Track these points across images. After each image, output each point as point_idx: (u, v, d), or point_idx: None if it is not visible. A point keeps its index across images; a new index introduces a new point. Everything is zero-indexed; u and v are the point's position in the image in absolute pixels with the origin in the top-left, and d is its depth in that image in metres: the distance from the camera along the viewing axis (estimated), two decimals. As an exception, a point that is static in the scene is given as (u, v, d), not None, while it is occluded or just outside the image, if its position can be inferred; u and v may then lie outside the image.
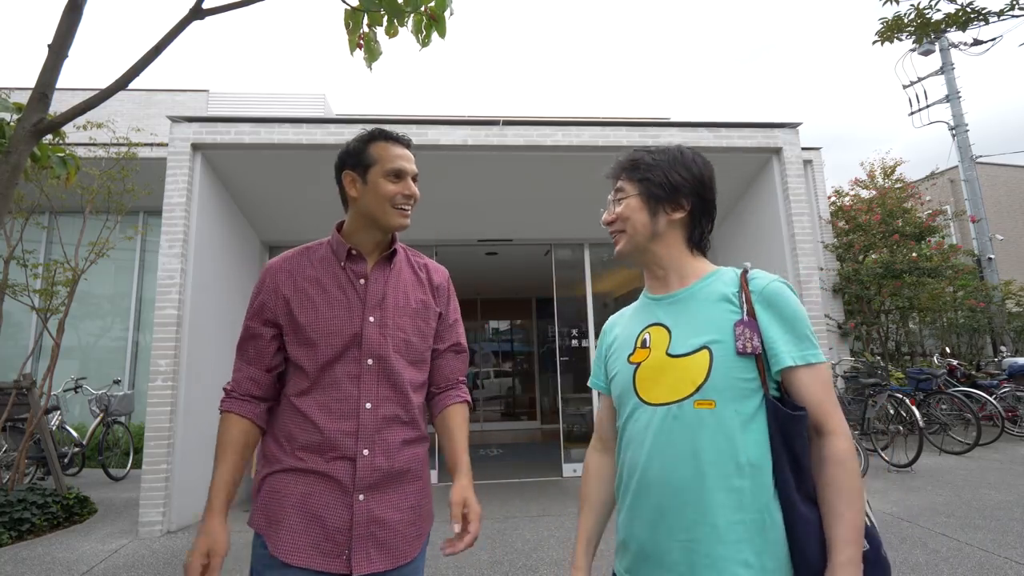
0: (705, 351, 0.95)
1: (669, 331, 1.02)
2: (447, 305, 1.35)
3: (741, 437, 0.92)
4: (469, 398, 1.36)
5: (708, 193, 1.07)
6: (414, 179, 1.25)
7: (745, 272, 1.01)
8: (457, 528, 1.14)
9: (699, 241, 1.08)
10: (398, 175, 1.21)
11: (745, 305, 0.97)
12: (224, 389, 1.22)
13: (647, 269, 1.11)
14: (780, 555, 0.90)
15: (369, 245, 1.26)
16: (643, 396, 1.01)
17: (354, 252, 1.24)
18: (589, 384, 1.23)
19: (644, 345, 1.04)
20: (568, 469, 5.77)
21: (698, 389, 0.94)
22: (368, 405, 1.16)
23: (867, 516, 0.94)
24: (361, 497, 1.12)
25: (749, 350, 0.93)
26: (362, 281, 1.23)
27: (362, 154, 1.22)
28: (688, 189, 1.05)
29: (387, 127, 1.29)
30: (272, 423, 1.22)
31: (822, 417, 0.92)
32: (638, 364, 1.04)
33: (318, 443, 1.13)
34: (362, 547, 1.11)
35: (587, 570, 1.11)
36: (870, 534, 0.92)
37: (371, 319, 1.19)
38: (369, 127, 1.30)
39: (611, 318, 1.22)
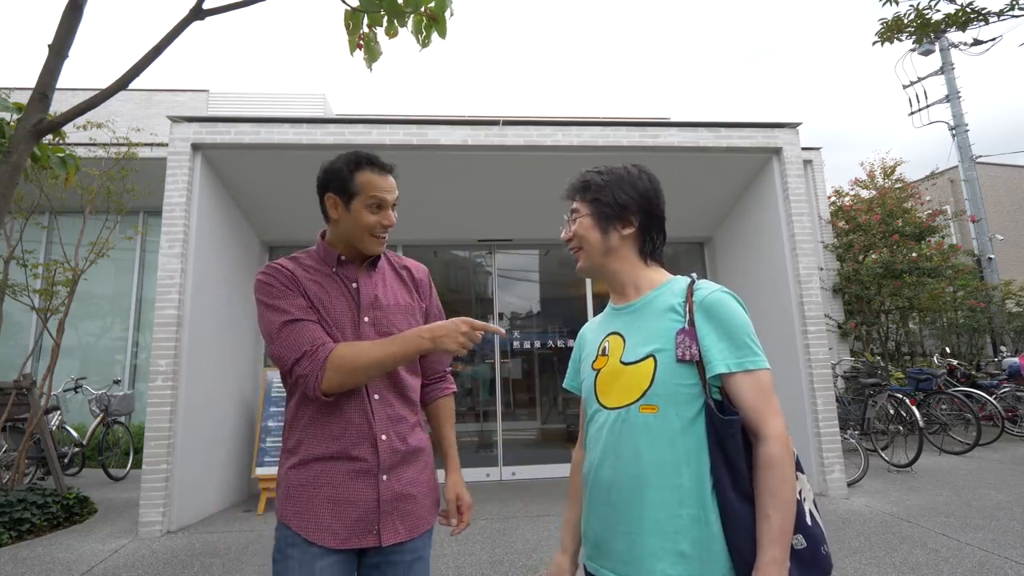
0: (651, 359, 1.02)
1: (624, 339, 1.09)
2: (430, 299, 1.44)
3: (682, 439, 0.98)
4: (454, 387, 1.50)
5: (654, 208, 1.13)
6: (393, 206, 1.31)
7: (692, 283, 1.07)
8: (455, 522, 1.35)
9: (652, 252, 1.15)
10: (380, 205, 1.27)
11: (687, 315, 1.02)
12: (307, 352, 1.16)
13: (608, 283, 1.18)
14: (716, 548, 0.95)
15: (352, 255, 1.33)
16: (601, 400, 1.09)
17: (343, 258, 1.31)
18: (564, 385, 1.30)
19: (604, 353, 1.13)
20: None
21: (643, 395, 1.01)
22: (376, 396, 1.25)
23: (811, 514, 0.99)
24: (384, 477, 1.22)
25: (688, 357, 0.99)
26: (354, 285, 1.30)
27: (347, 182, 1.25)
28: (635, 206, 1.11)
29: (372, 151, 1.32)
30: (290, 415, 1.27)
31: (757, 422, 0.97)
32: (599, 371, 1.12)
33: (340, 433, 1.21)
34: (390, 521, 1.21)
35: (573, 554, 1.21)
36: (811, 533, 0.97)
37: (365, 319, 1.28)
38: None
39: (585, 325, 1.29)
